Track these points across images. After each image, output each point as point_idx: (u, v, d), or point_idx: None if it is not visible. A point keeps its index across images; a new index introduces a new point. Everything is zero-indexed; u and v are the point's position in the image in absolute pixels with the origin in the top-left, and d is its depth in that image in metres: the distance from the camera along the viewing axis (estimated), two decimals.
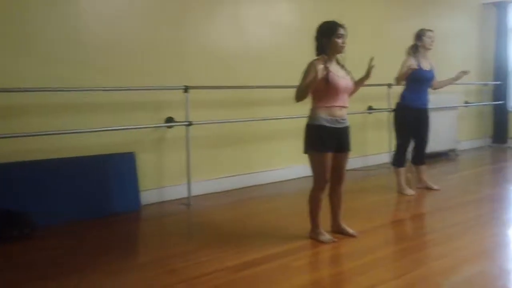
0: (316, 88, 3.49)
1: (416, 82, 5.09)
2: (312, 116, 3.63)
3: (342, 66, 3.72)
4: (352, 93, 3.77)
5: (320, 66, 3.34)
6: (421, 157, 5.43)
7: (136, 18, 4.86)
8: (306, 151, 3.66)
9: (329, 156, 3.61)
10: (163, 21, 5.04)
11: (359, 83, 3.79)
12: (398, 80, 5.11)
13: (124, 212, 4.59)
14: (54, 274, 3.17)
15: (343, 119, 3.65)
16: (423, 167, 5.50)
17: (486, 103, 8.79)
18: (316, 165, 3.64)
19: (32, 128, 4.19)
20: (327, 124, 3.57)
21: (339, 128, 3.62)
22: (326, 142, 3.57)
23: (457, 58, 8.28)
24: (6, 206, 3.92)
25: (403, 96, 5.25)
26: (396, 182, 5.33)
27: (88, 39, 4.56)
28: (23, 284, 3.03)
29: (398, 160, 5.31)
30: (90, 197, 4.47)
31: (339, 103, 3.59)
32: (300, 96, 3.52)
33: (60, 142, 4.38)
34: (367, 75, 3.74)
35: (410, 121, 5.17)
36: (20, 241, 3.78)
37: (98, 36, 4.62)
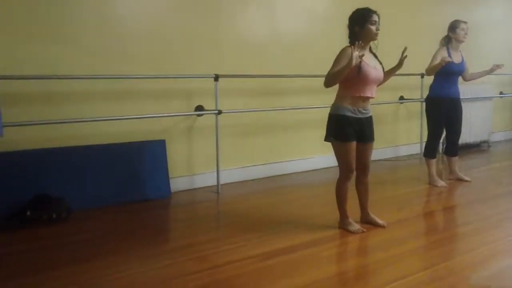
0: (347, 76, 3.45)
1: (446, 74, 5.02)
2: (336, 105, 3.61)
3: (375, 55, 3.69)
4: (381, 83, 3.74)
5: (356, 53, 3.29)
6: (454, 148, 5.36)
7: (168, 7, 4.89)
8: (327, 139, 3.66)
9: (353, 145, 3.60)
10: (195, 10, 5.06)
11: (390, 73, 3.75)
12: (429, 72, 5.04)
13: (154, 198, 4.68)
14: (88, 256, 3.27)
15: (365, 110, 3.62)
16: (455, 158, 5.43)
17: None
18: (341, 155, 3.63)
19: (68, 115, 4.29)
20: (350, 114, 3.55)
21: (361, 118, 3.60)
22: (348, 132, 3.55)
23: (492, 47, 8.10)
24: (44, 191, 4.05)
25: (432, 88, 5.20)
26: (427, 173, 5.28)
27: (121, 27, 4.62)
28: (60, 264, 3.13)
29: (429, 151, 5.26)
30: (122, 183, 4.56)
31: (366, 93, 3.56)
32: (330, 82, 3.48)
33: (94, 129, 4.48)
34: (399, 65, 3.70)
35: (443, 111, 5.10)
36: (57, 224, 3.91)
37: (131, 25, 4.67)
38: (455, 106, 5.17)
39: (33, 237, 3.66)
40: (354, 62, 3.29)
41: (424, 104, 6.68)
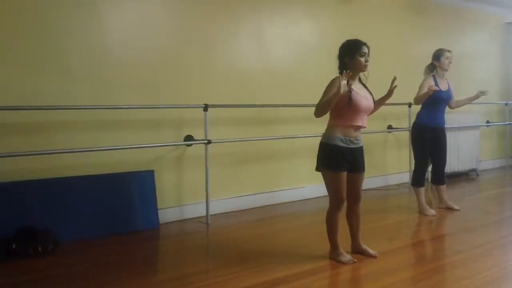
0: (337, 106, 3.48)
1: (433, 102, 5.06)
2: (327, 135, 3.62)
3: (364, 86, 3.72)
4: (372, 112, 3.76)
5: (343, 82, 3.33)
6: (441, 177, 5.38)
7: (158, 37, 4.93)
8: (318, 168, 3.66)
9: (344, 176, 3.59)
10: (187, 40, 5.10)
11: (380, 103, 3.78)
12: (417, 101, 5.08)
13: (143, 229, 4.62)
14: None
15: (357, 140, 3.64)
16: (443, 187, 5.44)
17: (508, 123, 8.68)
18: (331, 185, 3.62)
19: (54, 145, 4.26)
20: (341, 144, 3.55)
21: (353, 148, 3.60)
22: (340, 162, 3.55)
23: (479, 77, 8.22)
24: (30, 223, 4.00)
25: (419, 116, 5.23)
26: (417, 202, 5.28)
27: (111, 57, 4.64)
28: None
29: (417, 180, 5.27)
30: (111, 214, 4.51)
31: (357, 122, 3.58)
32: (320, 111, 3.49)
33: (82, 159, 4.44)
34: (389, 94, 3.73)
35: (428, 140, 5.14)
36: (43, 257, 3.83)
37: (121, 54, 4.70)
38: (440, 135, 5.22)
39: (19, 270, 3.58)
40: (342, 90, 3.32)
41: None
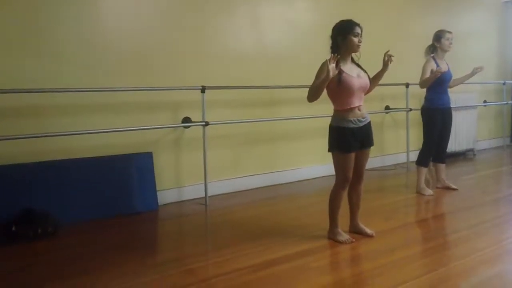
0: (331, 89, 3.51)
1: (437, 83, 5.05)
2: (336, 118, 3.63)
3: (358, 65, 3.72)
4: (370, 89, 3.76)
5: (332, 65, 3.32)
6: (443, 155, 5.41)
7: (155, 19, 4.89)
8: (331, 150, 3.67)
9: (353, 156, 3.63)
10: (182, 22, 5.07)
11: (377, 78, 3.78)
12: (424, 85, 5.08)
13: (142, 211, 4.64)
14: (75, 271, 3.23)
15: (363, 117, 3.65)
16: (443, 166, 5.47)
17: (505, 102, 8.68)
18: (340, 165, 3.65)
19: (54, 128, 4.26)
20: (352, 125, 3.58)
21: (362, 126, 3.63)
22: (351, 143, 3.58)
23: (477, 56, 8.18)
24: (30, 205, 4.00)
25: (429, 99, 5.21)
26: (416, 181, 5.30)
27: (107, 39, 4.61)
28: (45, 281, 3.08)
29: (424, 159, 5.28)
30: (110, 196, 4.52)
31: (355, 103, 3.59)
32: (312, 96, 3.51)
33: (80, 142, 4.44)
34: (384, 67, 3.72)
35: (439, 121, 5.16)
36: (43, 239, 3.85)
37: (117, 37, 4.67)
38: (447, 115, 5.25)
39: (19, 253, 3.61)
40: (331, 74, 3.33)
41: (409, 113, 6.78)
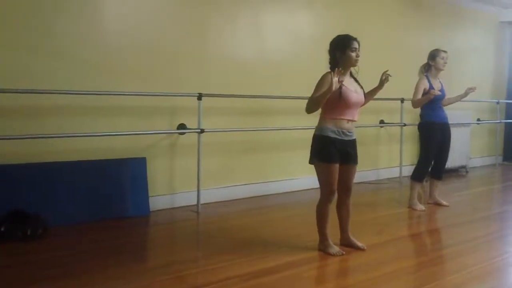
0: (328, 100, 3.51)
1: (431, 101, 5.06)
2: (320, 127, 3.64)
3: (355, 79, 3.74)
4: (363, 104, 3.78)
5: (335, 79, 3.35)
6: (441, 171, 5.43)
7: (155, 24, 4.90)
8: (311, 161, 3.67)
9: (336, 167, 3.60)
10: (183, 29, 5.08)
11: (371, 94, 3.81)
12: (417, 105, 5.12)
13: (133, 216, 4.61)
14: (62, 273, 3.20)
15: (350, 132, 3.65)
16: (438, 183, 5.48)
17: (499, 121, 8.75)
18: (323, 176, 3.63)
19: (47, 130, 4.24)
20: (334, 136, 3.57)
21: (346, 140, 3.62)
22: (332, 153, 3.56)
23: (472, 74, 8.26)
24: (20, 206, 3.97)
25: (425, 114, 5.24)
26: (409, 196, 5.30)
27: (105, 43, 4.61)
28: (32, 282, 3.05)
29: (420, 175, 5.28)
30: (101, 200, 4.50)
31: (348, 116, 3.60)
32: (311, 107, 3.53)
33: (74, 144, 4.42)
34: (380, 86, 3.76)
35: (438, 136, 5.17)
36: (32, 240, 3.82)
37: (118, 41, 4.67)
38: (446, 131, 5.26)
39: (7, 253, 3.57)
40: (334, 87, 3.35)
41: (403, 128, 6.81)
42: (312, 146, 3.67)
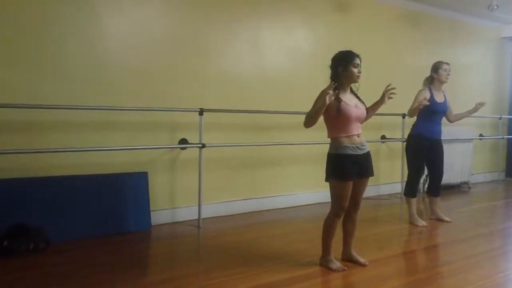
0: (330, 117, 3.54)
1: (428, 113, 5.07)
2: (335, 146, 3.63)
3: (356, 95, 3.76)
4: (366, 119, 3.79)
5: (330, 93, 3.37)
6: (437, 189, 5.40)
7: (156, 40, 4.94)
8: (328, 179, 3.66)
9: (350, 184, 3.60)
10: (184, 45, 5.12)
11: (373, 108, 3.81)
12: (410, 113, 5.10)
13: (134, 231, 4.62)
14: None
15: (363, 145, 3.66)
16: (437, 199, 5.46)
17: (501, 137, 8.74)
18: (337, 192, 3.63)
19: (50, 144, 4.26)
20: (350, 152, 3.58)
21: (361, 154, 3.63)
22: (349, 170, 3.57)
23: (474, 89, 8.28)
24: (22, 221, 3.98)
25: (415, 126, 5.24)
26: (408, 212, 5.30)
27: (107, 59, 4.65)
28: None
29: (410, 190, 5.28)
30: (103, 214, 4.50)
31: (353, 132, 3.61)
32: (309, 121, 3.54)
33: (75, 159, 4.44)
34: (382, 99, 3.77)
35: (423, 150, 5.15)
36: (34, 255, 3.83)
37: (117, 57, 4.71)
38: (436, 147, 5.22)
39: (9, 268, 3.57)
40: (328, 100, 3.37)
41: (404, 143, 6.79)
42: (328, 164, 3.66)
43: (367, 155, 3.70)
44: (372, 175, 3.74)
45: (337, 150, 3.61)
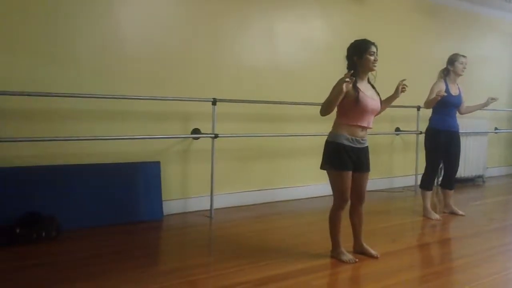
0: (345, 105, 3.51)
1: (443, 106, 5.04)
2: (334, 133, 3.62)
3: (372, 86, 3.72)
4: (379, 113, 3.76)
5: (348, 80, 3.33)
6: (451, 182, 5.36)
7: (169, 30, 4.94)
8: (323, 167, 3.65)
9: (349, 175, 3.59)
10: (197, 35, 5.11)
11: (387, 102, 3.79)
12: (427, 105, 5.06)
13: (147, 220, 4.64)
14: (75, 277, 3.22)
15: (363, 140, 3.64)
16: (451, 192, 5.42)
17: None
18: (336, 184, 3.62)
19: (63, 133, 4.29)
20: (347, 143, 3.56)
21: (358, 148, 3.61)
22: (345, 161, 3.55)
23: (488, 83, 8.19)
24: (35, 209, 4.02)
25: (432, 120, 5.21)
26: (422, 205, 5.26)
27: (121, 48, 4.65)
28: (45, 284, 3.08)
29: (426, 183, 5.25)
30: (115, 203, 4.52)
31: (363, 123, 3.59)
32: (326, 109, 3.50)
33: (89, 148, 4.47)
34: (396, 93, 3.74)
35: (441, 143, 5.12)
36: (46, 242, 3.86)
37: (131, 47, 4.71)
38: (453, 139, 5.18)
39: (21, 255, 3.61)
40: (344, 88, 3.34)
41: (419, 136, 6.75)
42: (324, 152, 3.66)
43: (365, 151, 3.68)
44: (368, 170, 3.72)
45: (334, 138, 3.59)
